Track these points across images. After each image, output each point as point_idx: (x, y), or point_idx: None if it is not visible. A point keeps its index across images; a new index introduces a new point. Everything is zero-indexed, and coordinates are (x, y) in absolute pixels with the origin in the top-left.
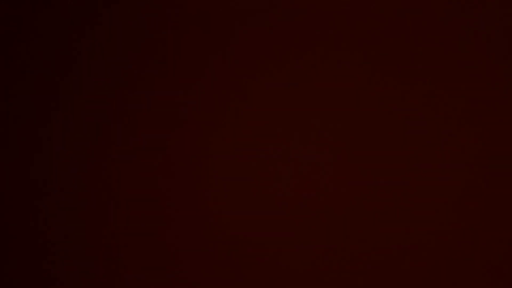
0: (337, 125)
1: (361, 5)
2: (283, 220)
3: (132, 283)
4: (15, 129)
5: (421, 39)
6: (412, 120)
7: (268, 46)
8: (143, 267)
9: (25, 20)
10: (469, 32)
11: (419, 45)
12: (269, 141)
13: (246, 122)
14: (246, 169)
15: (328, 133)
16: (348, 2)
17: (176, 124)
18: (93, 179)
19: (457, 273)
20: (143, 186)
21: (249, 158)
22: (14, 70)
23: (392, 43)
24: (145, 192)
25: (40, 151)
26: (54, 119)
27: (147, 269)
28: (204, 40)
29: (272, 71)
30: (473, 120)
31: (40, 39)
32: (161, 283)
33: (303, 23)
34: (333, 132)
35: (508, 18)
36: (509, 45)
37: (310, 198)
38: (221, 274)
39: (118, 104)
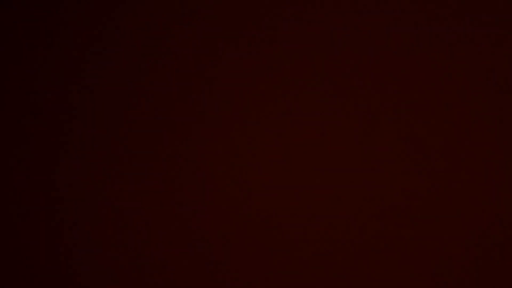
0: (345, 119)
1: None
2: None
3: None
4: (18, 129)
5: (417, 45)
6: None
7: (272, 50)
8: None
9: (27, 21)
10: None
11: (416, 49)
12: (276, 143)
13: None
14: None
15: (333, 131)
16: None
17: (183, 124)
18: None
19: (455, 272)
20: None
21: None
22: (16, 70)
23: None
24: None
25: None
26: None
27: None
28: (209, 44)
29: (279, 74)
30: (468, 122)
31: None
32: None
33: (305, 27)
34: (338, 130)
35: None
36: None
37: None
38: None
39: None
